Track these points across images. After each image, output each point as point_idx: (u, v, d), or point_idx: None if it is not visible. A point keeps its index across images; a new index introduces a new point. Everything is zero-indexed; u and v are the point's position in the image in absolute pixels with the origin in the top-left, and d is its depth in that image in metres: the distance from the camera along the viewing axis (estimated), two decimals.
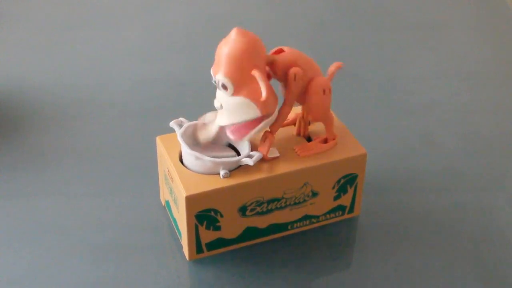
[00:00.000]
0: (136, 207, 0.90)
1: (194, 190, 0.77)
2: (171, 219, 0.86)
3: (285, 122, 0.85)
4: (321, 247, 0.85)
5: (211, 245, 0.82)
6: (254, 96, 0.76)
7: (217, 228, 0.81)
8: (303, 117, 0.85)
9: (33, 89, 1.13)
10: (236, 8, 1.38)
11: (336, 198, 0.86)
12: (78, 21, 1.33)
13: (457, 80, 1.18)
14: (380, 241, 0.86)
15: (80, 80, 1.15)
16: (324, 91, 0.81)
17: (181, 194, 0.77)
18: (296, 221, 0.85)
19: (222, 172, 0.78)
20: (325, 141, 0.84)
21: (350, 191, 0.86)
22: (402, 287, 0.80)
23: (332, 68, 0.84)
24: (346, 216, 0.88)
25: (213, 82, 0.78)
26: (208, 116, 0.82)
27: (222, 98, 0.78)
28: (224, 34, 0.78)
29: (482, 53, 1.26)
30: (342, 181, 0.85)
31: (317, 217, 0.86)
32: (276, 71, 0.79)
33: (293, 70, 0.78)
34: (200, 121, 0.83)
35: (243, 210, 0.81)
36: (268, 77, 0.80)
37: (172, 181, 0.81)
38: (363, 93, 1.14)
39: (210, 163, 0.78)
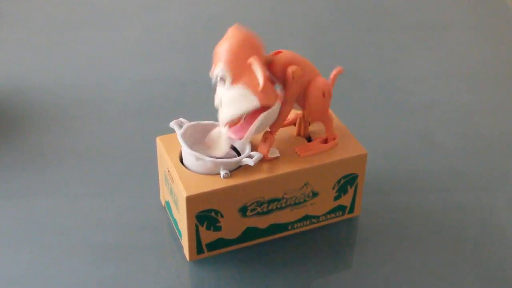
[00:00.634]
0: (136, 207, 0.90)
1: (195, 191, 0.77)
2: (171, 219, 0.86)
3: (285, 122, 0.85)
4: (321, 247, 0.85)
5: (212, 246, 0.82)
6: (252, 85, 0.76)
7: (218, 229, 0.81)
8: (303, 117, 0.85)
9: (33, 89, 1.13)
10: (236, 8, 1.38)
11: (336, 198, 0.86)
12: (78, 21, 1.33)
13: (457, 80, 1.18)
14: (380, 241, 0.86)
15: (80, 80, 1.15)
16: (323, 94, 0.81)
17: (182, 195, 0.77)
18: (296, 221, 0.85)
19: (222, 173, 0.78)
20: (325, 141, 0.84)
21: (350, 191, 0.86)
22: (402, 287, 0.80)
23: (334, 72, 0.84)
24: (346, 216, 0.88)
25: (213, 83, 0.78)
26: (213, 134, 0.82)
27: (221, 92, 0.78)
28: (224, 34, 0.78)
29: (482, 53, 1.26)
30: (342, 181, 0.85)
31: (318, 217, 0.86)
32: (275, 71, 0.79)
33: (291, 68, 0.78)
34: (207, 140, 0.82)
35: (243, 211, 0.81)
36: (272, 83, 0.80)
37: (173, 181, 0.81)
38: (363, 93, 1.14)
39: (210, 163, 0.78)
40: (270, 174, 0.79)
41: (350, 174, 0.85)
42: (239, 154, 0.83)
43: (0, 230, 0.86)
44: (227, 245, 0.83)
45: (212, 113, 1.00)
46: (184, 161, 0.81)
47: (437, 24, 1.35)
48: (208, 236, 0.81)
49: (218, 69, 0.76)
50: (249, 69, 0.76)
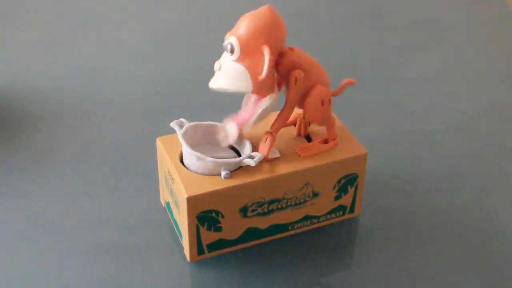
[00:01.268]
0: (136, 208, 0.90)
1: (195, 191, 0.77)
2: (172, 220, 0.86)
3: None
4: (322, 248, 0.85)
5: (212, 246, 0.82)
6: (254, 70, 0.76)
7: (218, 229, 0.81)
8: (303, 117, 0.85)
9: (33, 89, 1.12)
10: (237, 9, 1.38)
11: (336, 198, 0.86)
12: (78, 21, 1.33)
13: (457, 80, 1.18)
14: (381, 241, 0.86)
15: (80, 80, 1.15)
16: (322, 102, 0.81)
17: (182, 195, 0.77)
18: (296, 222, 0.85)
19: (223, 173, 0.78)
20: (326, 141, 0.84)
21: (351, 191, 0.86)
22: (402, 287, 0.80)
23: (344, 82, 0.84)
24: (346, 216, 0.88)
25: (223, 46, 0.77)
26: (220, 126, 0.82)
27: (224, 60, 0.77)
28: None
29: (482, 53, 1.26)
30: (343, 181, 0.85)
31: (318, 217, 0.86)
32: (280, 67, 0.79)
33: (294, 73, 0.78)
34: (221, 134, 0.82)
35: (244, 211, 0.81)
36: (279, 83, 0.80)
37: (173, 182, 0.81)
38: (363, 93, 1.14)
39: (211, 163, 0.78)
40: (271, 175, 0.79)
41: (351, 174, 0.85)
42: (239, 155, 0.83)
43: (0, 230, 0.86)
44: (227, 246, 0.83)
45: (213, 113, 1.00)
46: (184, 161, 0.81)
47: (437, 24, 1.35)
48: (208, 236, 0.81)
49: (231, 41, 0.76)
50: (259, 53, 0.75)
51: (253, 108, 0.79)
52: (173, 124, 0.82)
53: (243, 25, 0.76)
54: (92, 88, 1.13)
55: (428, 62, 1.23)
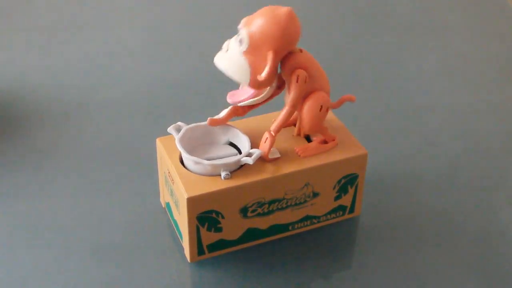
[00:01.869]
0: (136, 209, 0.90)
1: (196, 192, 0.77)
2: (172, 221, 0.86)
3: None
4: (322, 248, 0.85)
5: (213, 247, 0.82)
6: (255, 69, 0.76)
7: (219, 230, 0.81)
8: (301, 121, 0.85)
9: (33, 89, 1.12)
10: (237, 9, 1.38)
11: (336, 198, 0.86)
12: (78, 21, 1.33)
13: (457, 80, 1.18)
14: (381, 241, 0.86)
15: (80, 80, 1.15)
16: (321, 108, 0.81)
17: (182, 196, 0.77)
18: (297, 222, 0.85)
19: (223, 174, 0.78)
20: (325, 141, 0.84)
21: (351, 191, 0.86)
22: (402, 287, 0.80)
23: (344, 97, 0.84)
24: (346, 216, 0.88)
25: (237, 28, 0.78)
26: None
27: (233, 46, 0.77)
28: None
29: (482, 53, 1.26)
30: (343, 181, 0.85)
31: (318, 217, 0.86)
32: (286, 66, 0.79)
33: (296, 72, 0.78)
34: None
35: (244, 211, 0.81)
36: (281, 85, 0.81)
37: (173, 182, 0.81)
38: (363, 92, 1.14)
39: (209, 166, 0.78)
40: (271, 175, 0.80)
41: (351, 174, 0.85)
42: (240, 152, 0.83)
43: (0, 230, 0.86)
44: (228, 246, 0.83)
45: (213, 114, 1.00)
46: (184, 162, 0.81)
47: (437, 24, 1.35)
48: (209, 237, 0.81)
49: (242, 34, 0.76)
50: (266, 55, 0.76)
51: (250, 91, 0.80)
52: (170, 129, 0.82)
53: (259, 23, 0.76)
54: (91, 88, 1.13)
55: (428, 62, 1.23)
